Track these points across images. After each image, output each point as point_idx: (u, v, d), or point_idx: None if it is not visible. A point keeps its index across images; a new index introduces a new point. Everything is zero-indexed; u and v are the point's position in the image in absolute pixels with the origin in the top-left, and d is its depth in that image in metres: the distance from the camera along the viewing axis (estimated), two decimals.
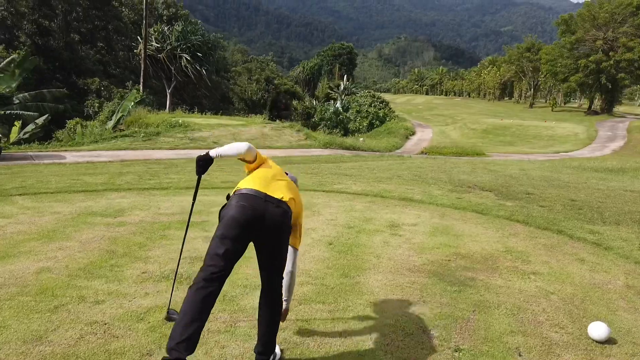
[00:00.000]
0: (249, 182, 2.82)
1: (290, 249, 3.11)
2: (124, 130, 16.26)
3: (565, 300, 4.23)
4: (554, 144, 34.01)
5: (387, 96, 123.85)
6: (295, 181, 3.31)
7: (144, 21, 34.03)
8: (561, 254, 5.51)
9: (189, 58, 35.90)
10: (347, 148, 20.45)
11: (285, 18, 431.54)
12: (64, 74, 46.74)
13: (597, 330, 3.54)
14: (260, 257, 2.83)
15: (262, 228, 2.66)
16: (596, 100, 58.04)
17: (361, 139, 29.74)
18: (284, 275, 3.08)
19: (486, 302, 4.08)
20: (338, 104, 63.69)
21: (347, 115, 54.07)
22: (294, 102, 70.97)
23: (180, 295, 3.42)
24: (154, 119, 17.43)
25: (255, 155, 3.02)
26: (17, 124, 18.17)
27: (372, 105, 56.77)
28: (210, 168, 2.97)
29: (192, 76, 36.57)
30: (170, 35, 36.47)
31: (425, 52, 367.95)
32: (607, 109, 53.71)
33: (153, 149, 14.13)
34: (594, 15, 49.96)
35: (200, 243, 5.08)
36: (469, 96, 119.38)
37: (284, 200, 2.79)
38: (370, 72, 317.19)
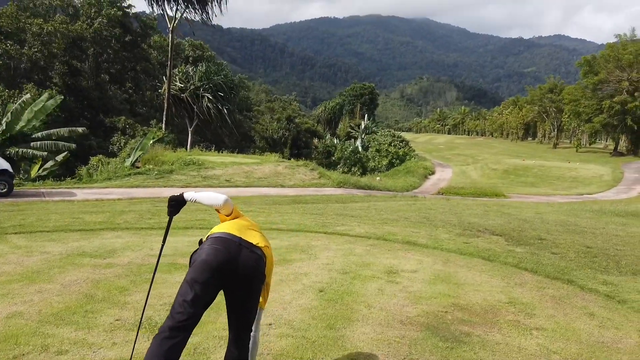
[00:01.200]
0: (224, 227, 2.71)
1: None
2: (139, 167, 16.48)
3: None
4: (578, 185, 33.14)
5: (408, 135, 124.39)
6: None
7: (169, 62, 35.22)
8: (569, 307, 5.13)
9: (210, 97, 36.79)
10: (362, 187, 20.24)
11: (310, 59, 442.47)
12: (92, 112, 48.40)
13: None
14: (229, 308, 2.64)
15: (234, 273, 2.49)
16: (622, 141, 56.90)
17: (378, 178, 29.55)
18: None
19: None
20: (358, 143, 64.15)
21: (367, 154, 54.26)
22: (315, 141, 71.75)
23: (147, 346, 3.24)
24: (170, 156, 17.66)
25: (231, 209, 2.90)
26: (38, 161, 18.65)
27: (392, 144, 56.87)
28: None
29: (214, 115, 37.33)
30: (194, 76, 37.56)
31: (447, 92, 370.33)
32: (634, 150, 52.45)
33: (165, 187, 14.20)
34: (617, 56, 49.63)
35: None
36: (492, 136, 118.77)
37: (258, 245, 2.63)
38: (392, 111, 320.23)
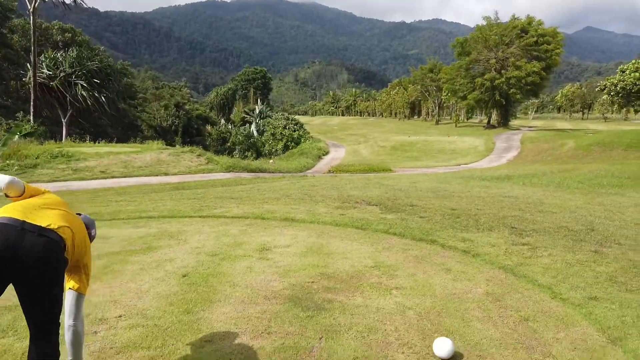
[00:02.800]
0: (3, 210, 2.30)
1: (71, 294, 2.55)
2: None
3: (422, 315, 4.03)
4: (456, 157, 35.80)
5: (303, 118, 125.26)
6: (89, 224, 2.78)
7: (33, 47, 31.59)
8: (429, 265, 5.39)
9: (85, 85, 33.82)
10: (253, 171, 19.95)
11: (199, 44, 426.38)
12: None
13: (440, 347, 3.33)
14: (20, 301, 2.27)
15: (17, 262, 2.12)
16: (493, 115, 62.44)
17: (271, 161, 29.42)
18: (66, 331, 2.52)
19: (337, 326, 3.76)
20: (252, 128, 63.34)
21: (262, 138, 53.82)
22: (208, 128, 69.50)
23: None
24: (34, 150, 15.78)
25: (21, 190, 2.48)
26: None
27: (287, 127, 56.96)
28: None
29: (91, 104, 34.42)
30: (63, 62, 34.19)
31: (339, 75, 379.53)
32: (503, 123, 57.90)
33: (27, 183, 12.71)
34: (485, 37, 54.03)
35: None
36: (382, 116, 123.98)
37: (51, 228, 2.28)
38: (287, 95, 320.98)
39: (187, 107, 67.86)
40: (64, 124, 34.89)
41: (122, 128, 64.89)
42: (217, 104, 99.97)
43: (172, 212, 7.75)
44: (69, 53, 34.70)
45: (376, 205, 8.59)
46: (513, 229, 6.97)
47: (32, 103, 31.66)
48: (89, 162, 15.52)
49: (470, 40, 56.13)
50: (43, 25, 60.01)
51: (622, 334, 3.68)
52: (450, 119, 78.83)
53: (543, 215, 7.89)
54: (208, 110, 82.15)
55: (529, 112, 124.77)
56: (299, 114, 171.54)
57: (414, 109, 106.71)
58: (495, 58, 52.68)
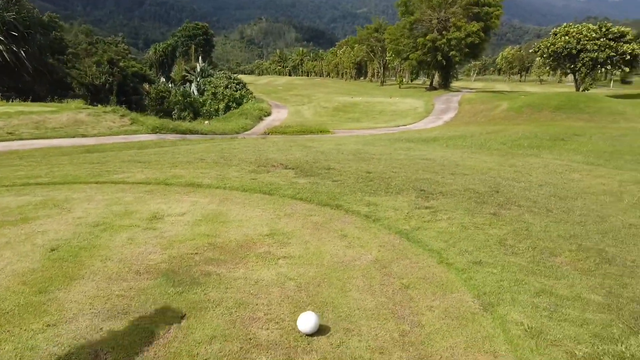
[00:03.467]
0: None
1: None
2: None
3: (301, 286, 3.85)
4: (397, 118, 36.11)
5: (249, 78, 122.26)
6: None
7: None
8: (327, 231, 5.23)
9: (1, 39, 30.94)
10: (183, 132, 19.10)
11: None
12: None
13: (303, 323, 3.16)
14: None
15: None
16: (436, 76, 63.26)
17: (206, 122, 28.44)
18: None
19: (206, 302, 3.52)
20: (193, 87, 60.99)
21: (203, 98, 52.00)
22: (146, 86, 66.14)
23: None
24: None
25: None
26: None
27: (228, 87, 55.31)
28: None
29: (9, 60, 31.65)
30: None
31: (287, 33, 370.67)
32: (444, 84, 58.84)
33: None
34: None
35: None
36: (329, 76, 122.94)
37: None
38: (233, 53, 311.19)
39: (121, 63, 64.01)
40: None
41: (51, 85, 60.52)
42: (156, 61, 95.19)
43: (66, 177, 7.15)
44: None
45: (292, 169, 8.33)
46: (421, 191, 6.94)
47: None
48: None
49: None
50: None
51: (496, 300, 3.67)
52: (396, 80, 79.29)
53: (454, 177, 7.93)
54: (146, 68, 78.08)
55: (471, 74, 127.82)
56: (245, 73, 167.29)
57: (361, 70, 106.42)
58: (437, 18, 52.83)
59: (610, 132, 18.56)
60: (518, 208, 6.20)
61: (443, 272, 4.21)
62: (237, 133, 25.61)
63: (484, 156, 10.63)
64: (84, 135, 15.14)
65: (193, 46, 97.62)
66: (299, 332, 3.16)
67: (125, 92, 62.29)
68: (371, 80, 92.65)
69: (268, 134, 23.12)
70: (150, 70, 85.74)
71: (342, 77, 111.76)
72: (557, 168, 9.08)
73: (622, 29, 35.07)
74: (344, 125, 31.31)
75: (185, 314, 3.36)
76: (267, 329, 3.21)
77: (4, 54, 31.14)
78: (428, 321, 3.36)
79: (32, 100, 29.12)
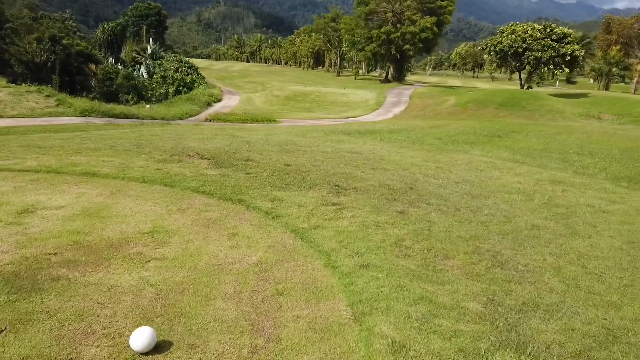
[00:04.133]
0: None
1: None
2: None
3: (160, 293, 3.46)
4: (347, 109, 35.97)
5: (205, 62, 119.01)
6: None
7: None
8: (217, 229, 4.84)
9: None
10: (116, 116, 18.06)
11: None
12: None
13: (136, 339, 2.77)
14: None
15: None
16: (391, 69, 63.60)
17: (147, 106, 27.25)
18: None
19: (38, 314, 3.06)
20: (142, 69, 58.65)
21: (151, 81, 50.15)
22: (92, 67, 63.05)
23: None
24: None
25: None
26: None
27: (179, 70, 53.67)
28: None
29: None
30: None
31: (246, 18, 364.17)
32: (398, 78, 59.25)
33: None
34: None
35: None
36: (287, 64, 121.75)
37: None
38: (190, 36, 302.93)
39: (65, 41, 60.51)
40: None
41: None
42: (105, 40, 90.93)
43: None
44: None
45: (208, 159, 7.87)
46: (336, 187, 6.66)
47: None
48: None
49: None
50: None
51: (370, 309, 3.41)
52: (352, 71, 79.29)
53: (374, 172, 7.71)
54: (92, 47, 74.43)
55: (427, 68, 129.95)
56: (201, 57, 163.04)
57: (319, 59, 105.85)
58: (392, 11, 52.96)
59: (546, 130, 19.02)
60: (427, 206, 6.02)
61: (325, 277, 3.93)
62: (180, 119, 24.67)
63: (413, 151, 10.51)
64: (0, 116, 13.97)
65: (144, 27, 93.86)
66: (132, 350, 2.77)
67: (69, 72, 58.99)
68: (328, 70, 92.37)
69: (210, 120, 22.35)
70: (100, 50, 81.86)
71: (300, 65, 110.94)
72: (480, 165, 9.05)
73: (565, 30, 36.26)
74: (293, 114, 30.85)
75: (5, 328, 2.90)
76: (98, 346, 2.80)
77: None
78: (288, 335, 3.05)
79: None
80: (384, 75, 67.53)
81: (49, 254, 3.96)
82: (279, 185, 6.58)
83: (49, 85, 43.68)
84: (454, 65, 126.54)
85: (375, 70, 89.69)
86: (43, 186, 5.83)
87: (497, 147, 12.36)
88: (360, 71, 79.30)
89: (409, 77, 76.56)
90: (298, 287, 3.72)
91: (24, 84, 20.71)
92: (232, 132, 12.00)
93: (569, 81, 79.82)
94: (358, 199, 6.12)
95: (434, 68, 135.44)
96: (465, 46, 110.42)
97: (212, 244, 4.46)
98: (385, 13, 53.88)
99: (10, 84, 17.60)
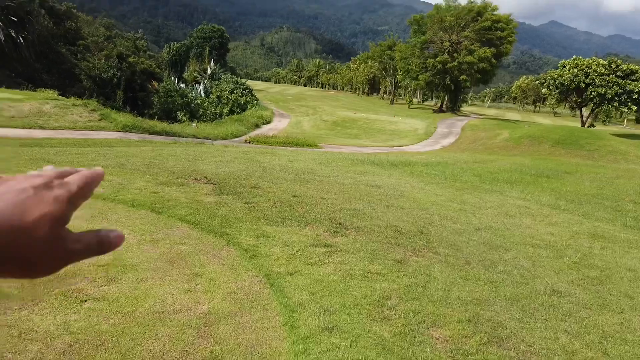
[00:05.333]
0: None
1: None
2: None
3: (75, 345, 2.98)
4: (394, 138, 35.24)
5: (264, 85, 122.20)
6: None
7: None
8: (183, 266, 4.36)
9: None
10: (157, 133, 18.34)
11: None
12: None
13: None
14: None
15: None
16: (446, 99, 62.37)
17: (193, 124, 27.77)
18: None
19: None
20: (200, 88, 60.85)
21: (206, 100, 51.74)
22: (155, 84, 66.14)
23: None
24: None
25: None
26: None
27: (234, 91, 55.06)
28: None
29: (4, 45, 31.42)
30: None
31: (307, 44, 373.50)
32: (452, 108, 57.88)
33: None
34: (441, 18, 53.23)
35: None
36: (343, 90, 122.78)
37: None
38: (252, 59, 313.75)
39: (131, 59, 63.93)
40: None
41: (60, 75, 60.80)
42: (170, 60, 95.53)
43: None
44: None
45: (214, 185, 7.49)
46: (337, 224, 6.04)
47: None
48: None
49: (427, 19, 55.24)
50: None
51: None
52: (405, 99, 78.59)
53: (386, 210, 7.02)
54: (156, 66, 78.26)
55: (485, 100, 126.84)
56: (261, 80, 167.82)
57: (374, 86, 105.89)
58: (449, 41, 52.09)
59: (603, 173, 17.49)
60: (433, 255, 5.28)
61: (277, 339, 3.32)
62: (223, 139, 24.88)
63: (440, 188, 9.68)
64: (42, 128, 14.45)
65: (207, 48, 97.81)
66: None
67: (133, 88, 62.20)
68: (382, 98, 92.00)
69: (249, 142, 22.35)
70: (164, 69, 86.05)
71: (356, 92, 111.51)
72: (512, 210, 8.12)
73: (632, 66, 33.92)
74: (337, 140, 30.49)
75: None
76: None
77: (1, 38, 30.85)
78: None
79: (38, 87, 28.71)
80: (438, 105, 66.33)
81: None
82: (275, 219, 6.04)
83: (114, 99, 46.04)
84: (515, 98, 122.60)
85: (430, 99, 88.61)
86: None
87: (541, 189, 11.27)
88: (415, 100, 78.46)
89: (465, 108, 74.82)
90: (239, 350, 3.13)
91: (72, 97, 21.60)
92: (254, 157, 11.67)
93: (639, 121, 75.07)
94: (356, 241, 5.48)
95: (493, 100, 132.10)
96: (526, 79, 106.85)
97: (167, 285, 3.97)
98: (442, 42, 53.07)
99: (59, 97, 18.36)
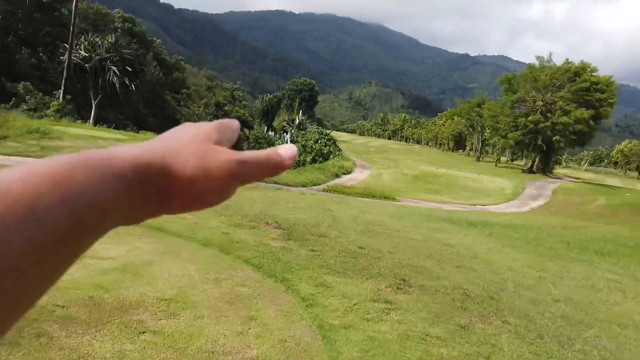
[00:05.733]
0: None
1: None
2: None
3: None
4: (478, 196, 33.94)
5: (348, 136, 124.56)
6: None
7: (72, 27, 32.72)
8: (240, 308, 4.42)
9: (117, 71, 34.58)
10: None
11: (261, 51, 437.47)
12: None
13: None
14: None
15: None
16: (537, 160, 59.51)
17: None
18: None
19: None
20: (287, 137, 63.52)
21: None
22: (246, 131, 70.27)
23: None
24: (18, 122, 15.86)
25: None
26: None
27: (318, 141, 56.69)
28: None
29: (119, 91, 35.20)
30: (101, 46, 35.19)
31: (394, 99, 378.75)
32: (544, 169, 54.92)
33: None
34: (535, 77, 51.69)
35: None
36: (427, 145, 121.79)
37: None
38: (339, 112, 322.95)
39: (226, 107, 68.83)
40: (93, 106, 35.77)
41: (163, 119, 66.58)
42: (262, 109, 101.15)
43: None
44: (107, 39, 35.61)
45: (283, 230, 7.63)
46: (401, 281, 5.85)
47: (63, 81, 32.76)
48: (63, 142, 15.37)
49: (520, 77, 53.90)
50: (104, 11, 62.92)
51: None
52: (493, 157, 76.09)
53: (456, 270, 6.68)
54: (248, 114, 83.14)
55: (582, 163, 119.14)
56: (346, 132, 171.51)
57: (460, 143, 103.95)
58: (542, 100, 50.19)
59: None
60: (502, 324, 4.89)
61: None
62: (303, 186, 25.44)
63: (519, 253, 9.06)
64: None
65: (297, 100, 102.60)
66: None
67: None
68: (468, 155, 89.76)
69: (327, 191, 22.66)
70: (257, 118, 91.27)
71: (440, 147, 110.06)
72: (600, 283, 7.35)
73: None
74: (416, 194, 29.98)
75: None
76: None
77: (116, 85, 34.59)
78: None
79: (143, 130, 31.77)
80: (528, 165, 63.35)
81: (57, 305, 3.89)
82: (337, 269, 5.98)
83: None
84: (616, 163, 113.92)
85: (520, 159, 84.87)
86: (109, 234, 6.04)
87: (638, 263, 10.17)
88: (503, 158, 75.59)
89: (558, 170, 70.66)
90: None
91: None
92: (327, 205, 11.78)
93: None
94: (418, 301, 5.24)
95: (591, 164, 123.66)
96: (629, 143, 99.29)
97: (221, 325, 4.03)
98: (534, 102, 51.24)
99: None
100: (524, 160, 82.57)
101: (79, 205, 0.26)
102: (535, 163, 58.79)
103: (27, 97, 40.24)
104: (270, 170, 0.37)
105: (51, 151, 14.82)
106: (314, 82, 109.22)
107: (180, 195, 0.33)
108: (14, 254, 0.23)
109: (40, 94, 40.95)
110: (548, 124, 49.20)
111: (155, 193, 0.31)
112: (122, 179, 0.29)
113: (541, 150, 52.04)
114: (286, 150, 0.38)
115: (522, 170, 57.66)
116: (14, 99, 29.43)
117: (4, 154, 13.05)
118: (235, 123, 0.43)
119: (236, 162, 0.34)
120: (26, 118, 17.87)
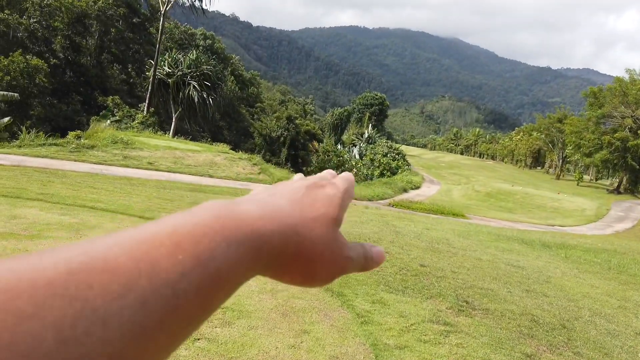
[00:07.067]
0: None
1: None
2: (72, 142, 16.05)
3: None
4: (556, 216, 31.95)
5: (418, 151, 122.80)
6: None
7: (158, 45, 35.07)
8: (293, 321, 4.43)
9: (196, 86, 36.49)
10: None
11: (335, 66, 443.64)
12: (89, 89, 48.67)
13: None
14: None
15: None
16: (625, 180, 55.16)
17: None
18: None
19: None
20: (355, 151, 63.68)
21: (361, 162, 53.84)
22: (315, 144, 71.34)
23: None
24: (105, 133, 17.19)
25: None
26: None
27: (387, 155, 56.25)
28: None
29: (197, 104, 37.09)
30: (182, 62, 37.35)
31: (468, 113, 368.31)
32: (632, 190, 50.72)
33: (71, 161, 13.67)
34: (624, 91, 48.14)
35: None
36: (502, 161, 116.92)
37: None
38: (410, 126, 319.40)
39: (297, 121, 70.17)
40: (173, 119, 37.93)
41: (237, 132, 69.43)
42: (332, 123, 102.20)
43: (108, 205, 7.57)
44: (188, 55, 37.75)
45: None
46: (464, 302, 5.59)
47: (148, 95, 35.12)
48: (143, 152, 16.40)
49: (607, 92, 50.39)
50: (189, 31, 67.06)
51: None
52: (574, 175, 71.44)
53: (525, 295, 6.27)
54: (318, 128, 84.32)
55: None
56: (417, 146, 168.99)
57: (538, 159, 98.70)
58: (632, 116, 46.55)
59: None
60: (573, 356, 4.51)
61: None
62: (369, 200, 25.33)
63: (598, 279, 8.33)
64: (211, 176, 16.46)
65: (367, 114, 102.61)
66: None
67: (296, 147, 67.90)
68: (547, 172, 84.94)
69: (392, 205, 22.32)
70: (326, 132, 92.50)
71: (517, 164, 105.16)
72: None
73: None
74: (487, 212, 28.76)
75: None
76: None
77: (195, 99, 36.49)
78: None
79: (218, 141, 33.36)
80: (614, 184, 58.78)
81: None
82: (396, 286, 5.84)
83: (278, 155, 50.35)
84: None
85: (606, 178, 79.01)
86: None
87: None
88: (586, 177, 70.81)
89: None
90: None
91: (240, 152, 24.23)
92: (390, 220, 11.57)
93: None
94: (481, 325, 4.97)
95: None
96: None
97: (274, 337, 4.05)
98: (623, 118, 47.64)
99: (229, 150, 20.83)
100: (609, 179, 76.72)
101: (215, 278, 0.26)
102: (623, 183, 54.44)
103: (115, 110, 43.54)
104: (360, 271, 0.39)
105: (131, 160, 15.91)
106: (384, 95, 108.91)
107: (295, 273, 0.33)
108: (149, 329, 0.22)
109: (127, 107, 44.14)
110: (638, 141, 45.52)
111: (273, 264, 0.31)
112: (253, 249, 0.28)
113: (632, 169, 48.13)
114: (379, 256, 0.39)
115: (608, 190, 53.62)
116: (103, 111, 32.06)
117: (90, 162, 14.15)
118: (352, 185, 0.42)
119: (348, 259, 0.35)
120: (113, 129, 19.30)
